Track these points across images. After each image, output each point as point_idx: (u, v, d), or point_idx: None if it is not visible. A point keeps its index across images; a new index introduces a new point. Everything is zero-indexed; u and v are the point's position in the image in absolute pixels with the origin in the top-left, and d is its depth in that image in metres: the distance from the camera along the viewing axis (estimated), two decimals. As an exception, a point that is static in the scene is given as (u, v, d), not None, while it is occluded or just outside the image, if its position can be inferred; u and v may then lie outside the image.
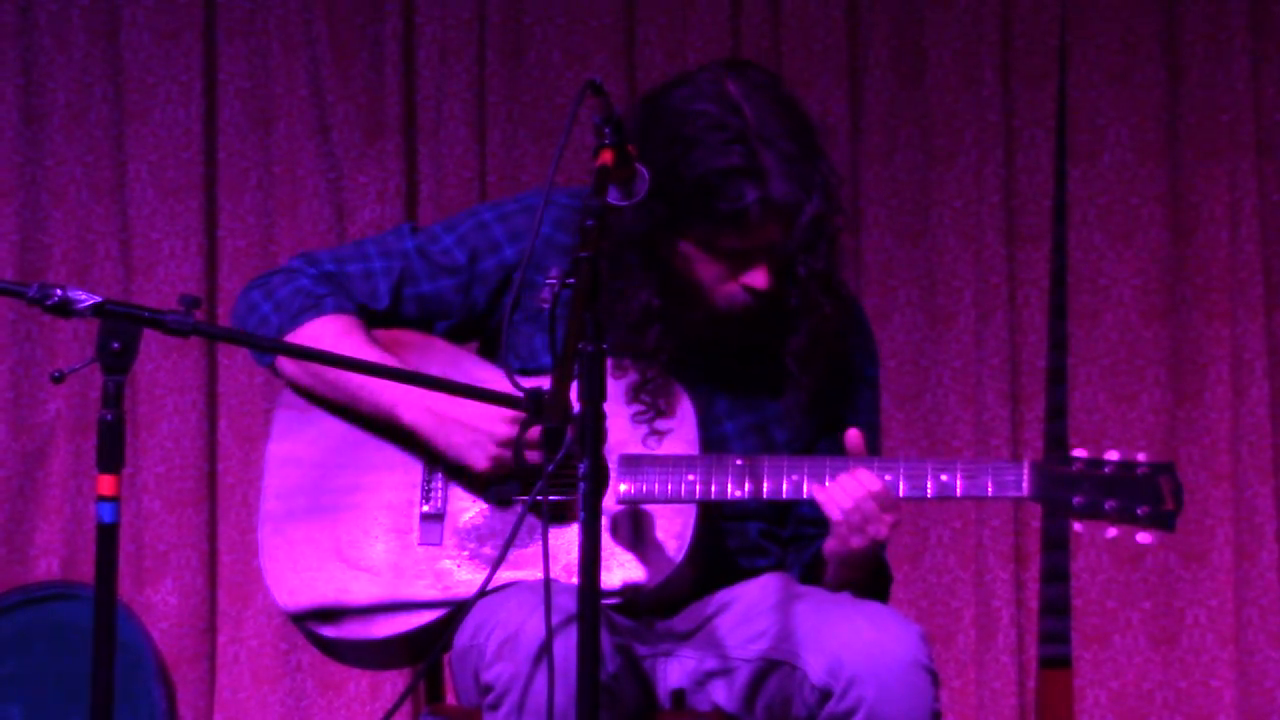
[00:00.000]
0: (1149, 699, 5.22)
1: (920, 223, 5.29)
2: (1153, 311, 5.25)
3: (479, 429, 3.34)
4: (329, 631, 3.38)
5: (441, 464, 3.41)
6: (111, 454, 3.00)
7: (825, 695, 3.22)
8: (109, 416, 3.00)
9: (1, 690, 5.17)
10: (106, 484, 3.01)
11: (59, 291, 3.03)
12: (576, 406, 2.84)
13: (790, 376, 3.42)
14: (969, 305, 5.25)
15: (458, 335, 3.55)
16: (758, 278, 3.32)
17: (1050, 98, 5.29)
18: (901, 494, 3.26)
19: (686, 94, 3.32)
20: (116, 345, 3.01)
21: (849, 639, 3.22)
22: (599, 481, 2.85)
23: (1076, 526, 3.27)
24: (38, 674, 5.17)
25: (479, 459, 3.35)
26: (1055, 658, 5.29)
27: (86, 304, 3.02)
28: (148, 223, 5.29)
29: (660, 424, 3.38)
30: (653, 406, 3.37)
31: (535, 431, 3.13)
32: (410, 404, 3.39)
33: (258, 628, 5.24)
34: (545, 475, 2.92)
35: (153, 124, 5.29)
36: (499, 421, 3.34)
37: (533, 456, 3.26)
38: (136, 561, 5.24)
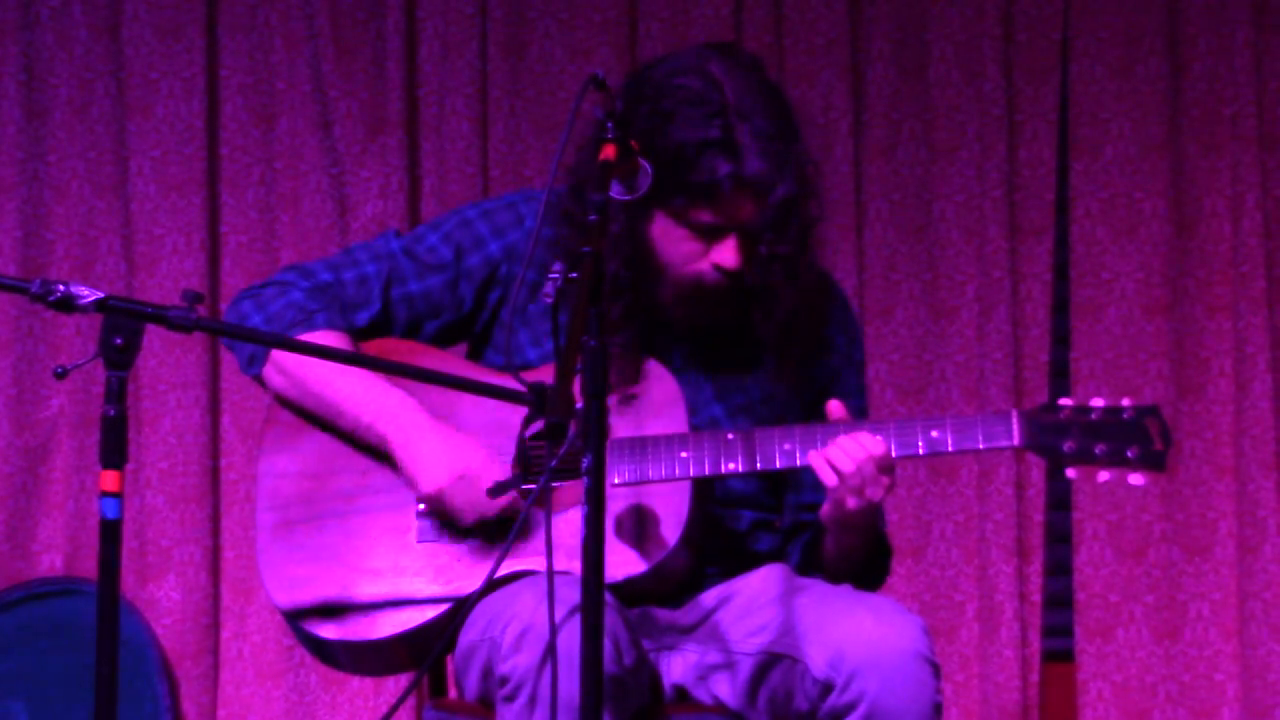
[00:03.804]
0: (1152, 692, 5.22)
1: (923, 216, 5.29)
2: (1155, 305, 5.25)
3: (453, 467, 3.35)
4: (329, 633, 3.38)
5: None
6: (114, 450, 3.00)
7: (827, 688, 3.22)
8: (111, 412, 3.00)
9: (5, 686, 5.17)
10: (109, 480, 3.01)
11: (61, 287, 3.03)
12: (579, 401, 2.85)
13: (772, 358, 3.44)
14: (971, 299, 5.25)
15: (445, 338, 3.55)
16: (727, 254, 3.35)
17: (1053, 91, 5.29)
18: (894, 454, 3.27)
19: (669, 69, 3.36)
20: (119, 341, 3.01)
21: (851, 632, 3.22)
22: (602, 477, 2.85)
23: (1070, 473, 3.29)
24: (41, 670, 5.17)
25: (467, 514, 3.36)
26: (1058, 651, 5.29)
27: (89, 300, 3.02)
28: (150, 218, 5.29)
29: (644, 405, 3.39)
30: (626, 382, 3.38)
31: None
32: (394, 429, 3.39)
33: (261, 623, 5.25)
34: (548, 471, 2.92)
35: (155, 119, 5.29)
36: (471, 459, 3.35)
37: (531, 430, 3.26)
38: (140, 557, 5.24)
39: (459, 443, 3.37)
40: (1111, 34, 5.27)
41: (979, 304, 5.25)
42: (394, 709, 3.46)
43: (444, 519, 3.39)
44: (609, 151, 3.10)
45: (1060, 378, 5.28)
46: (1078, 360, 5.26)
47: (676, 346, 3.45)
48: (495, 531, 3.37)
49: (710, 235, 3.35)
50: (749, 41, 5.27)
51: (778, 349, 3.43)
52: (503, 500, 3.29)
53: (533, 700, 3.15)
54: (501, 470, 3.35)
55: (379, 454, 3.43)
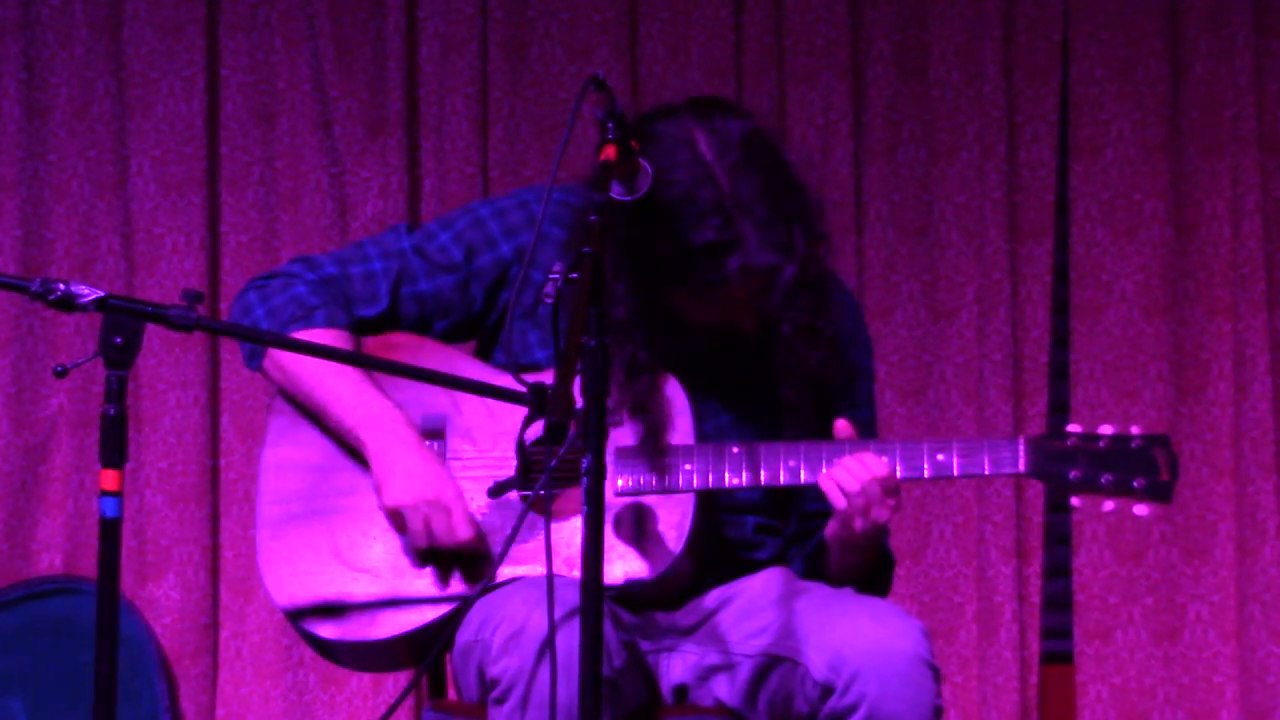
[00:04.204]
0: (1151, 695, 5.22)
1: (923, 218, 5.29)
2: (1155, 307, 5.25)
3: (424, 491, 3.34)
4: (329, 632, 3.38)
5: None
6: (114, 449, 3.00)
7: (827, 691, 3.22)
8: (111, 411, 3.00)
9: (3, 685, 5.17)
10: (109, 479, 3.01)
11: (62, 286, 3.03)
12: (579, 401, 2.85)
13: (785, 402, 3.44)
14: (971, 301, 5.25)
15: (454, 336, 3.54)
16: (744, 322, 3.36)
17: (1053, 93, 5.29)
18: (899, 475, 3.27)
19: (660, 157, 3.25)
20: (119, 340, 3.01)
21: (851, 635, 3.22)
22: (601, 477, 2.85)
23: (1074, 501, 3.30)
24: (40, 669, 5.17)
25: (419, 538, 3.35)
26: (1057, 653, 5.29)
27: (89, 299, 3.02)
28: (150, 218, 5.29)
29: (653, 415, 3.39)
30: (641, 395, 3.38)
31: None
32: (373, 435, 3.39)
33: (260, 623, 5.24)
34: (548, 470, 2.92)
35: (155, 119, 5.29)
36: (444, 487, 3.34)
37: (532, 434, 3.26)
38: (139, 556, 5.24)
39: (434, 469, 3.36)
40: (1112, 36, 5.27)
41: (979, 305, 5.25)
42: (392, 709, 3.46)
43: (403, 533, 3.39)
44: (609, 151, 3.09)
45: (1060, 380, 5.28)
46: (1077, 362, 5.26)
47: (688, 372, 3.43)
48: (448, 561, 3.37)
49: (727, 307, 3.35)
50: (749, 44, 5.27)
51: (795, 403, 3.42)
52: (462, 532, 3.29)
53: (523, 702, 3.14)
54: (464, 507, 3.34)
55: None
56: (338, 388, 3.42)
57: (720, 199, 3.25)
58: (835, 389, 3.48)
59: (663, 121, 3.32)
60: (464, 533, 3.32)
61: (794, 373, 3.39)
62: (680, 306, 3.36)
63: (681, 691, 3.39)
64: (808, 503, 3.49)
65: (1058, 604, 5.29)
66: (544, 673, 3.10)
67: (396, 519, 3.36)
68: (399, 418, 3.39)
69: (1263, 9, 5.24)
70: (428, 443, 3.40)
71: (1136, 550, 5.23)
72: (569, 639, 3.06)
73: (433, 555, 3.37)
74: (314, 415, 3.45)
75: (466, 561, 3.36)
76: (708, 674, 3.37)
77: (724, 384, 3.46)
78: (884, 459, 3.26)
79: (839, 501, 3.26)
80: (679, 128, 3.30)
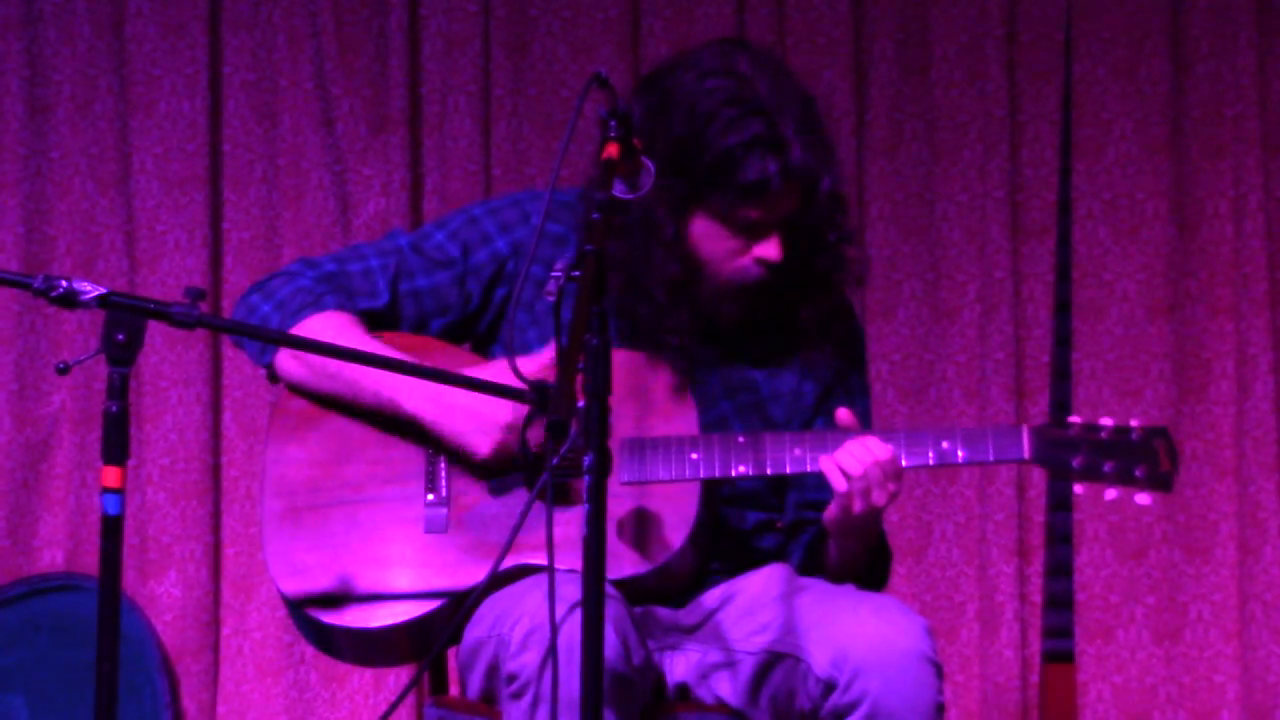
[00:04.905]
0: (1152, 694, 5.22)
1: (925, 217, 5.29)
2: (1157, 306, 5.25)
3: (482, 414, 3.35)
4: (332, 620, 3.38)
5: (444, 452, 3.41)
6: (116, 446, 3.00)
7: (829, 688, 3.22)
8: (113, 408, 3.00)
9: (5, 681, 5.17)
10: (111, 476, 3.01)
11: (64, 283, 3.03)
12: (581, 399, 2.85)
13: (784, 355, 3.44)
14: (973, 300, 5.25)
15: (452, 335, 3.55)
16: (771, 249, 3.36)
17: (1055, 92, 5.29)
18: (904, 464, 3.28)
19: (697, 71, 3.34)
20: (121, 337, 3.01)
21: (853, 632, 3.22)
22: (604, 474, 2.85)
23: (1077, 489, 3.33)
24: (41, 666, 5.17)
25: (482, 444, 3.36)
26: (1058, 652, 5.29)
27: (91, 296, 3.02)
28: (152, 215, 5.29)
29: (654, 403, 3.39)
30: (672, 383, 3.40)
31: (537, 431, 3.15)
32: (411, 393, 3.40)
33: (261, 620, 5.25)
34: (548, 469, 2.92)
35: (157, 116, 5.29)
36: (503, 408, 3.34)
37: (535, 436, 3.26)
38: (140, 554, 5.24)
39: (484, 403, 3.36)
40: (1114, 35, 5.27)
41: (981, 305, 5.25)
42: (394, 706, 3.46)
43: (462, 464, 3.38)
44: (612, 150, 3.09)
45: (1062, 379, 5.28)
46: (1079, 361, 5.26)
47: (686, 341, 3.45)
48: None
49: (753, 231, 3.36)
50: (751, 40, 5.27)
51: (820, 333, 3.44)
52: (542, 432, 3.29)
53: (539, 698, 3.15)
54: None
55: (393, 434, 3.43)
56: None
57: (761, 101, 3.32)
58: (830, 378, 3.50)
59: (696, 51, 3.40)
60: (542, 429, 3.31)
61: (830, 285, 3.41)
62: (706, 244, 3.35)
63: (684, 690, 3.40)
64: (806, 492, 3.50)
65: (1059, 603, 5.29)
66: (562, 669, 3.11)
67: (469, 457, 3.35)
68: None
69: (1265, 8, 5.24)
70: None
71: (1138, 549, 5.23)
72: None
73: (439, 546, 3.38)
74: (339, 397, 3.44)
75: (470, 554, 3.37)
76: (709, 672, 3.37)
77: (715, 354, 3.47)
78: (885, 443, 3.27)
79: (839, 483, 3.27)
80: (712, 51, 3.38)
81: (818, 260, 3.42)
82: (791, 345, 3.51)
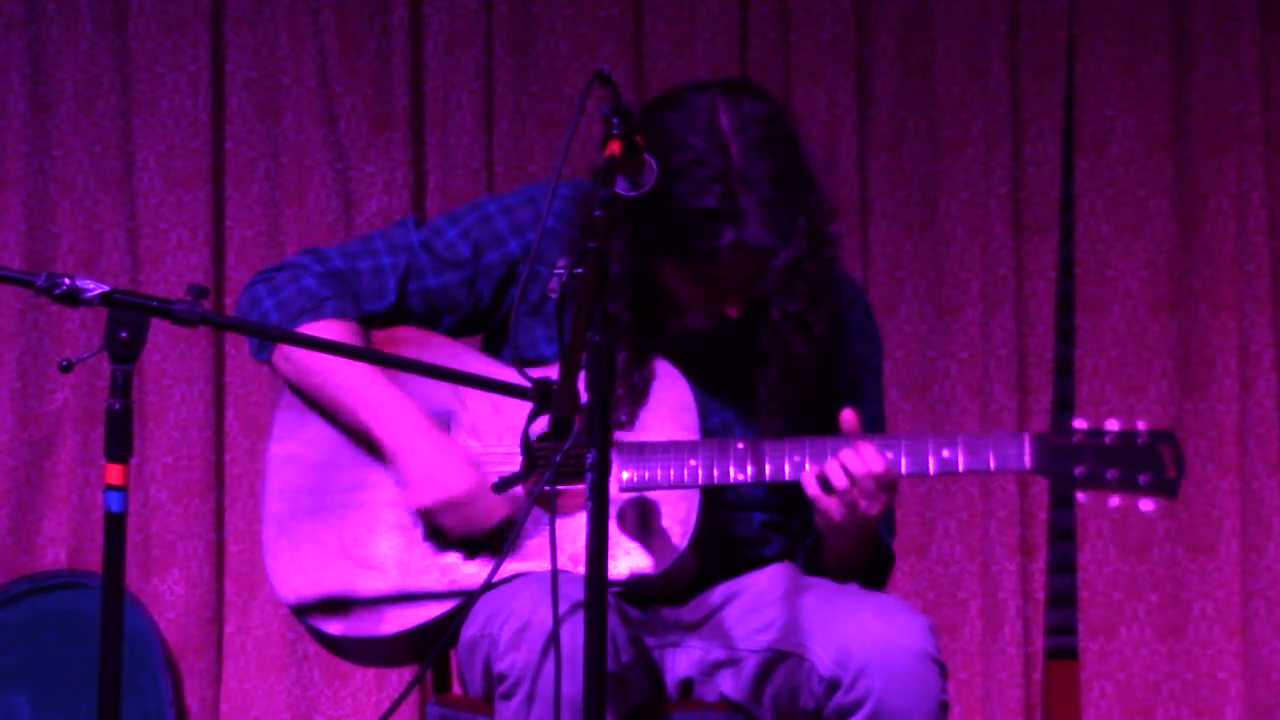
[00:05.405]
0: (1155, 691, 5.22)
1: (928, 214, 5.29)
2: (1160, 303, 5.25)
3: (438, 475, 3.34)
4: (335, 628, 3.38)
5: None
6: (119, 443, 3.00)
7: (833, 686, 3.22)
8: (116, 406, 3.00)
9: (9, 679, 5.17)
10: (114, 473, 3.00)
11: (67, 281, 3.03)
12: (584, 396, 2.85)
13: (753, 394, 3.43)
14: (976, 296, 5.25)
15: (462, 330, 3.54)
16: (730, 307, 3.34)
17: (1058, 88, 5.29)
18: (904, 471, 3.27)
19: (680, 121, 3.29)
20: (124, 335, 3.01)
21: (857, 630, 3.22)
22: (606, 472, 2.85)
23: (1080, 497, 3.29)
24: (45, 663, 5.17)
25: (421, 497, 3.35)
26: (1061, 649, 5.29)
27: (94, 293, 3.02)
28: (155, 212, 5.29)
29: (655, 408, 3.39)
30: (634, 388, 3.38)
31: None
32: (384, 422, 3.39)
33: (264, 617, 5.25)
34: (553, 466, 2.92)
35: (160, 114, 5.29)
36: (462, 479, 3.34)
37: (537, 429, 3.25)
38: (144, 551, 5.24)
39: (455, 461, 3.35)
40: (1117, 31, 5.27)
41: (983, 301, 5.25)
42: (396, 705, 3.46)
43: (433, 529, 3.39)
44: (614, 147, 3.09)
45: (1064, 376, 5.28)
46: (1082, 358, 5.26)
47: (679, 363, 3.43)
48: (482, 545, 3.37)
49: (714, 286, 3.34)
50: (754, 39, 5.27)
51: (772, 397, 3.41)
52: (497, 514, 3.30)
53: (530, 697, 3.14)
54: (487, 490, 3.34)
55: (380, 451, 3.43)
56: (350, 382, 3.41)
57: (728, 169, 3.26)
58: (841, 386, 3.48)
59: (693, 92, 3.35)
60: (499, 515, 3.32)
61: (774, 359, 3.38)
62: (670, 283, 3.35)
63: (687, 686, 3.39)
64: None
65: (1062, 600, 5.29)
66: (550, 668, 3.10)
67: (428, 518, 3.36)
68: (413, 410, 3.39)
69: (1268, 5, 5.24)
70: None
71: (1141, 546, 5.23)
72: (575, 634, 3.06)
73: (440, 550, 3.38)
74: (323, 409, 3.45)
75: (473, 554, 3.37)
76: (713, 669, 3.37)
77: (722, 379, 3.46)
78: (880, 455, 3.25)
79: (813, 490, 3.25)
80: (706, 99, 3.32)
81: (770, 332, 3.37)
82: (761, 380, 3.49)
